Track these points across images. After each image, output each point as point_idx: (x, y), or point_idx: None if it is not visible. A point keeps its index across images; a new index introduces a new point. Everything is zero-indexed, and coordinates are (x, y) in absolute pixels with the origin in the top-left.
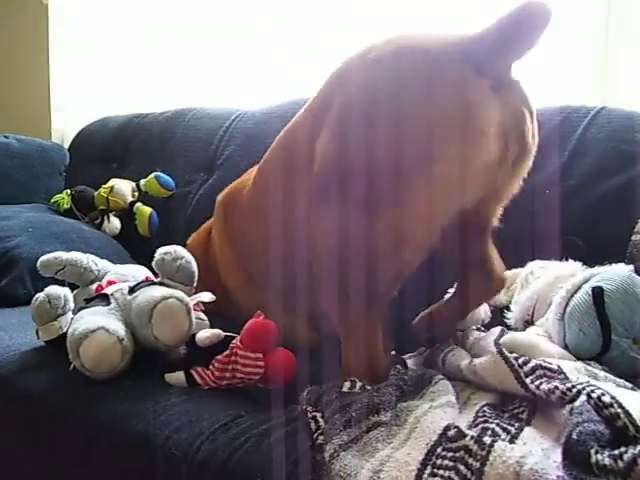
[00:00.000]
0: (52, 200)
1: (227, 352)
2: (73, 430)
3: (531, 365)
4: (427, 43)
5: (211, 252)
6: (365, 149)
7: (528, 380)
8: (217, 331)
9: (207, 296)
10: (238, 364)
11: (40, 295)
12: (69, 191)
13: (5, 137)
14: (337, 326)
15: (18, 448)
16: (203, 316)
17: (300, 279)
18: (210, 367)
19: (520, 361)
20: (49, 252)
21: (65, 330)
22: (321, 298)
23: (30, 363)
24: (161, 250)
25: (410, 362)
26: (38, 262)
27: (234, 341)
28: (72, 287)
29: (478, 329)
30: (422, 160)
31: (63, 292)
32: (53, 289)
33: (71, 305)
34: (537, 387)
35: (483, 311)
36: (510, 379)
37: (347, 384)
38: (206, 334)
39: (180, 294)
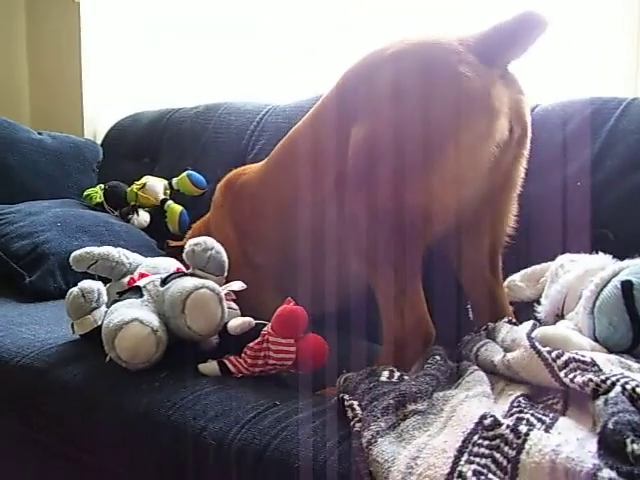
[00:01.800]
0: (84, 194)
1: (259, 339)
2: (110, 420)
3: (564, 358)
4: (439, 39)
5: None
6: (399, 131)
7: (562, 373)
8: (248, 319)
9: (238, 285)
10: (270, 350)
11: (74, 290)
12: (102, 186)
13: (39, 134)
14: (380, 298)
15: (54, 438)
16: (234, 305)
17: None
18: (242, 355)
19: (553, 355)
20: (78, 246)
21: (100, 323)
22: (367, 273)
23: (66, 356)
24: (191, 241)
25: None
26: (70, 257)
27: (265, 328)
28: (104, 281)
29: (510, 322)
30: (451, 134)
31: (96, 286)
32: (86, 283)
33: (104, 298)
34: (571, 380)
35: None
36: (544, 373)
37: (385, 373)
38: (237, 322)
39: (212, 284)
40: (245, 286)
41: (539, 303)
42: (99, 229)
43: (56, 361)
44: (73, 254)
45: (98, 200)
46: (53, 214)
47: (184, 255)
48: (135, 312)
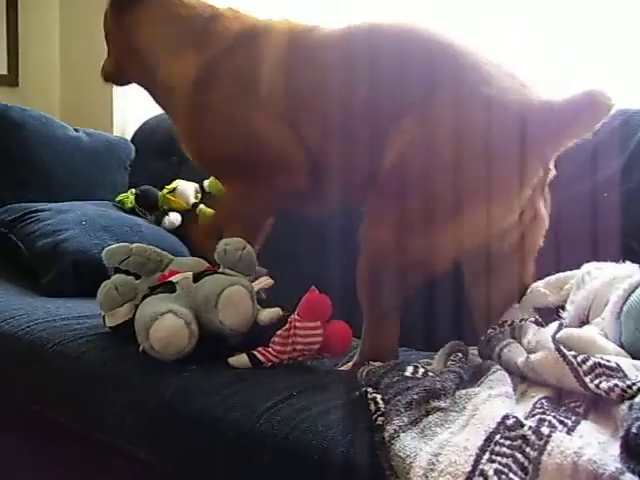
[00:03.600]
0: (117, 199)
1: (286, 326)
2: (136, 408)
3: (590, 363)
4: (504, 93)
5: None
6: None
7: (587, 379)
8: (277, 309)
9: (266, 282)
10: (298, 336)
11: (108, 282)
12: (133, 190)
13: (75, 131)
14: (365, 318)
15: (81, 424)
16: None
17: None
18: (270, 344)
19: (579, 359)
20: (97, 245)
21: (131, 316)
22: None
23: (97, 346)
24: (223, 241)
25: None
26: (104, 251)
27: (292, 316)
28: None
29: (536, 322)
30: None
31: (129, 280)
32: (120, 277)
33: (137, 292)
34: (597, 386)
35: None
36: (569, 377)
37: (410, 368)
38: (265, 312)
39: (245, 281)
40: (272, 282)
41: (563, 309)
42: (123, 229)
43: (87, 349)
44: (107, 249)
45: (130, 205)
46: (82, 213)
47: (215, 254)
48: (169, 305)
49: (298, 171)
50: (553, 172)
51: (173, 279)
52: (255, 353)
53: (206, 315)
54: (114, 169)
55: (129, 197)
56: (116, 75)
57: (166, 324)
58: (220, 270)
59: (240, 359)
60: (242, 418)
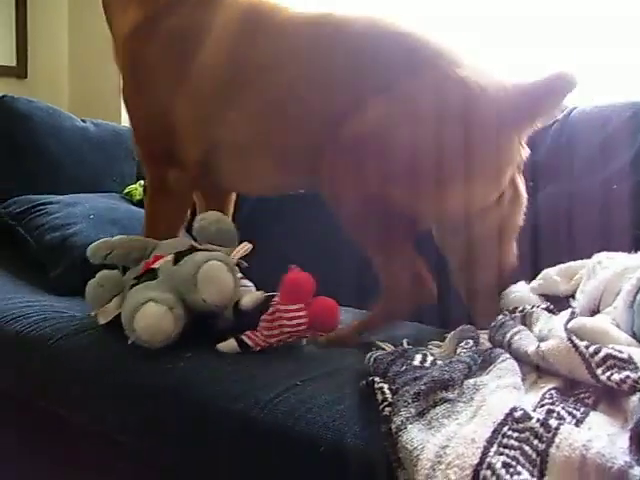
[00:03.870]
0: (125, 191)
1: (270, 310)
2: (138, 401)
3: (602, 355)
4: (477, 76)
5: None
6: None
7: (599, 371)
8: (259, 293)
9: (245, 248)
10: (283, 319)
11: (92, 281)
12: (142, 182)
13: (83, 121)
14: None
15: (84, 419)
16: (248, 282)
17: None
18: (258, 328)
19: (591, 350)
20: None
21: (121, 310)
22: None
23: (97, 339)
24: (198, 217)
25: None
26: (87, 250)
27: (274, 299)
28: (124, 270)
29: (548, 309)
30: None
31: (113, 274)
32: (104, 273)
33: (123, 285)
34: (608, 378)
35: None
36: (581, 369)
37: (418, 357)
38: (248, 297)
39: (220, 255)
40: (251, 246)
41: (573, 298)
42: (132, 222)
43: (87, 344)
44: (89, 247)
45: (138, 197)
46: (90, 206)
47: (193, 231)
48: (150, 293)
49: (189, 168)
50: (527, 151)
51: (156, 265)
52: (243, 338)
53: (189, 296)
54: (122, 159)
55: (137, 189)
56: None
57: (148, 313)
58: (202, 247)
59: (229, 344)
60: (246, 409)
